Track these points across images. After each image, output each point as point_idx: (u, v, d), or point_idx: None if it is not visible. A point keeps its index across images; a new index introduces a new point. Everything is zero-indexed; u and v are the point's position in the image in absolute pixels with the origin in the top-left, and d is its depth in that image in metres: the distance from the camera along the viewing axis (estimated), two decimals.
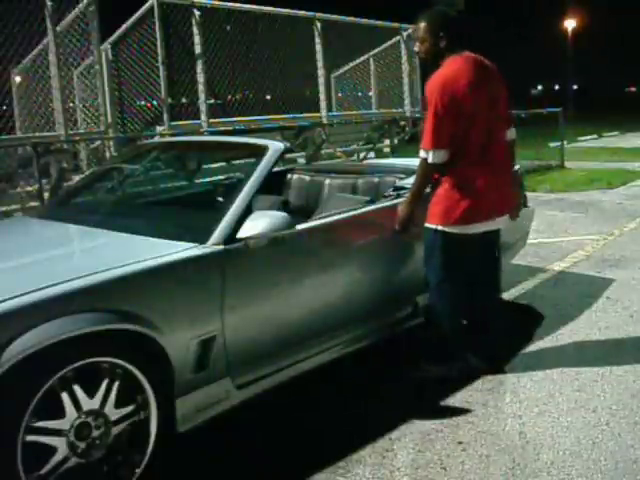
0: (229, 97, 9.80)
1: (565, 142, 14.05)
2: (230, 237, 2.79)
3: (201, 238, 2.77)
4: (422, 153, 3.35)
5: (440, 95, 3.25)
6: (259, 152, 3.21)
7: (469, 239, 3.39)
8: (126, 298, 2.45)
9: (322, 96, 10.35)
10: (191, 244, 2.74)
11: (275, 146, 3.24)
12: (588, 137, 20.75)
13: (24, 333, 2.16)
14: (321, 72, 10.31)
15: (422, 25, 3.42)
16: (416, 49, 3.54)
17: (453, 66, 3.34)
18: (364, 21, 11.39)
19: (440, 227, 3.36)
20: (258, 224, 2.79)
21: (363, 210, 3.58)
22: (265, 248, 2.84)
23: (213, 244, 2.75)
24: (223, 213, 2.88)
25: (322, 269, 3.23)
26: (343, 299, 3.30)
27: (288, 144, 3.52)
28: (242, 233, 2.79)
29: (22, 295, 2.23)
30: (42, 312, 2.22)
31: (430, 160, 3.31)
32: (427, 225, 3.42)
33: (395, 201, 3.68)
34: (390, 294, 3.59)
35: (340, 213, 3.46)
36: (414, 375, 3.52)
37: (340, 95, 12.02)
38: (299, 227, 3.03)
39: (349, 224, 3.46)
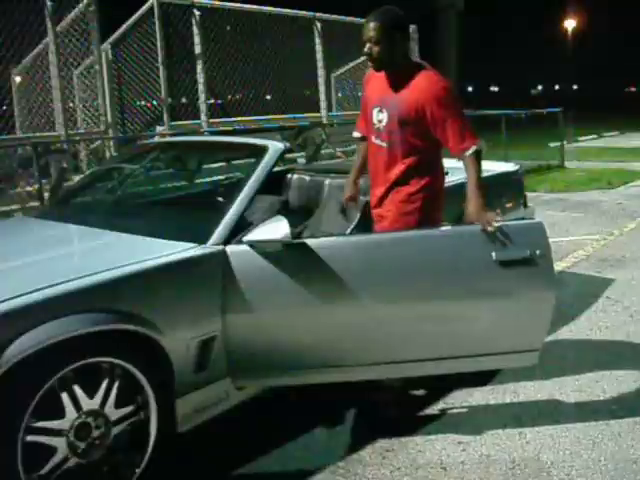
0: (229, 97, 9.81)
1: (565, 142, 14.05)
2: (230, 237, 2.78)
3: (201, 238, 2.76)
4: (471, 150, 2.95)
5: (454, 94, 3.04)
6: (259, 152, 3.20)
7: None
8: (126, 298, 2.45)
9: (322, 96, 10.35)
10: (191, 244, 2.73)
11: (275, 146, 3.23)
12: (588, 137, 20.74)
13: (24, 333, 2.16)
14: (321, 72, 10.31)
15: (375, 25, 2.99)
16: (367, 50, 3.03)
17: (433, 70, 3.10)
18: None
19: None
20: (270, 229, 2.71)
21: (384, 236, 3.04)
22: (274, 254, 2.76)
23: (213, 244, 2.75)
24: (223, 213, 2.87)
25: (328, 284, 2.85)
26: (351, 319, 2.87)
27: (288, 144, 3.48)
28: (251, 236, 2.73)
29: (22, 295, 2.23)
30: (42, 312, 2.22)
31: (485, 149, 3.08)
32: None
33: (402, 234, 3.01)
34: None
35: (359, 235, 3.16)
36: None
37: (340, 95, 12.01)
38: (312, 240, 2.86)
39: (361, 246, 2.96)
